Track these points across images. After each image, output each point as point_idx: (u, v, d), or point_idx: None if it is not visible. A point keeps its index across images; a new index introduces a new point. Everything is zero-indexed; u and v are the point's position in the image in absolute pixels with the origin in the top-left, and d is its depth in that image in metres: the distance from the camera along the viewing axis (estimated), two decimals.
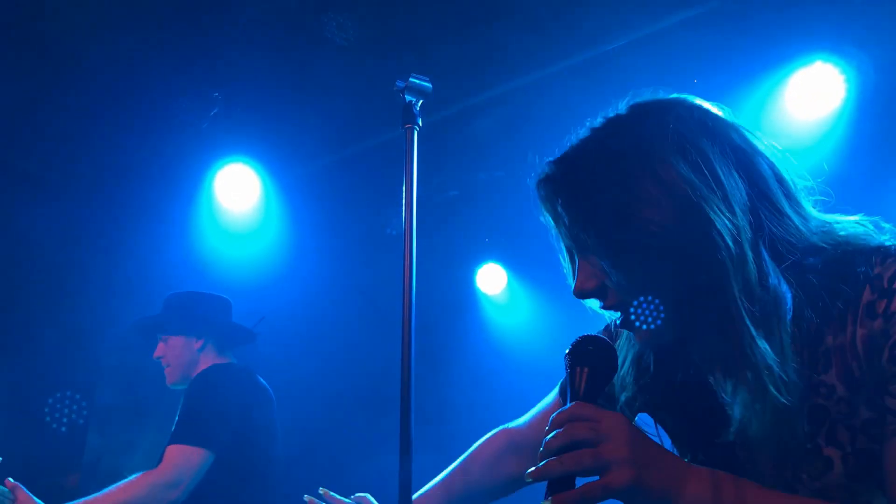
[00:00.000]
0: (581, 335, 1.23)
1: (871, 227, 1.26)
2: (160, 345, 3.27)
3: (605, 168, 1.19)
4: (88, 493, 4.46)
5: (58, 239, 4.81)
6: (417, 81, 1.60)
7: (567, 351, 1.22)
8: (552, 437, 1.09)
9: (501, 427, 1.67)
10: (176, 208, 5.06)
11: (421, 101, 1.59)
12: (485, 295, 5.92)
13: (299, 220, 5.24)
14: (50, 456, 4.70)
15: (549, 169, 1.26)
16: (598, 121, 1.28)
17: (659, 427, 1.31)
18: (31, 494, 2.74)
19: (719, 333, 1.18)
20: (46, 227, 4.71)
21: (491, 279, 5.82)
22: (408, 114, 1.56)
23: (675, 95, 1.31)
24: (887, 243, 1.22)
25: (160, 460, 2.92)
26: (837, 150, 4.23)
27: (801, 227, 1.19)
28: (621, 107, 1.30)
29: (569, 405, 1.12)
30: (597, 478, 1.07)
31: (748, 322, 1.12)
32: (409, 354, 1.43)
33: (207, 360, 3.22)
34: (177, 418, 3.01)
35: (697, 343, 1.23)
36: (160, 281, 4.73)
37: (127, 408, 4.95)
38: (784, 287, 1.15)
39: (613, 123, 1.26)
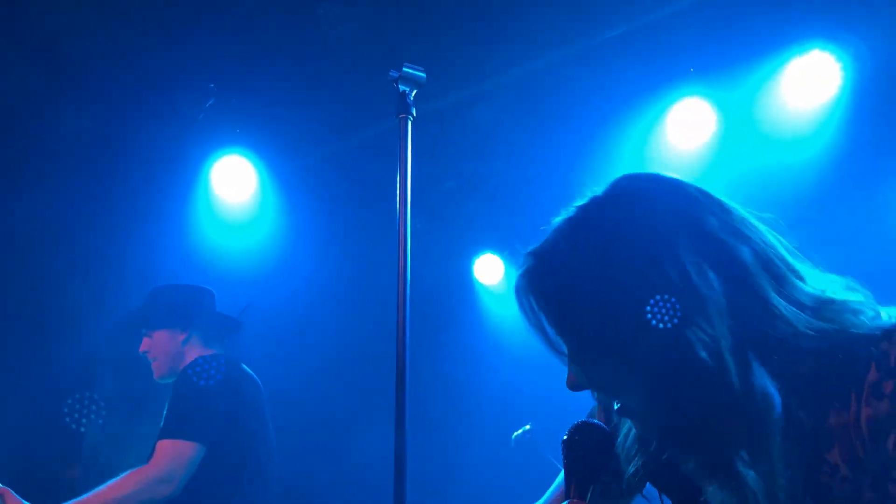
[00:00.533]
0: (576, 423, 1.25)
1: (870, 301, 1.20)
2: (145, 340, 3.23)
3: (573, 276, 1.14)
4: (88, 486, 4.47)
5: (54, 230, 4.80)
6: (411, 71, 1.59)
7: (563, 439, 1.25)
8: None
9: None
10: (173, 199, 5.05)
11: (415, 91, 1.59)
12: (482, 285, 5.93)
13: (295, 210, 5.24)
14: (49, 449, 4.70)
15: (525, 263, 1.21)
16: (574, 209, 1.21)
17: (664, 497, 1.29)
18: (20, 498, 2.73)
19: (708, 453, 1.15)
20: (43, 218, 4.70)
21: (488, 269, 5.82)
22: (402, 103, 1.56)
23: (653, 174, 1.23)
24: (889, 322, 1.17)
25: (151, 455, 2.90)
26: (835, 139, 4.22)
27: (790, 316, 1.12)
28: (598, 190, 1.22)
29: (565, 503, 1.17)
30: None
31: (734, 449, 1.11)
32: (403, 343, 1.43)
33: (193, 352, 3.18)
34: (165, 412, 2.98)
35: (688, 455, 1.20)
36: (157, 272, 4.72)
37: (126, 399, 4.95)
38: (772, 389, 1.11)
39: (585, 219, 1.19)
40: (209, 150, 4.94)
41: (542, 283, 1.17)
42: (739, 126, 4.39)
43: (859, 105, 4.13)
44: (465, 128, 4.78)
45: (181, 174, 5.00)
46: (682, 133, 4.49)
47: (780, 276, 1.15)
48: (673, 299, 1.07)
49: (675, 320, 1.06)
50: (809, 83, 4.15)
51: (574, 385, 1.20)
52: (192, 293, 3.33)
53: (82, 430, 2.95)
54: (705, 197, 1.20)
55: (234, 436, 2.97)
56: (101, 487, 2.81)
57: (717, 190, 1.22)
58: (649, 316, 1.07)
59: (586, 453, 1.22)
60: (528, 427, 4.22)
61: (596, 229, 1.15)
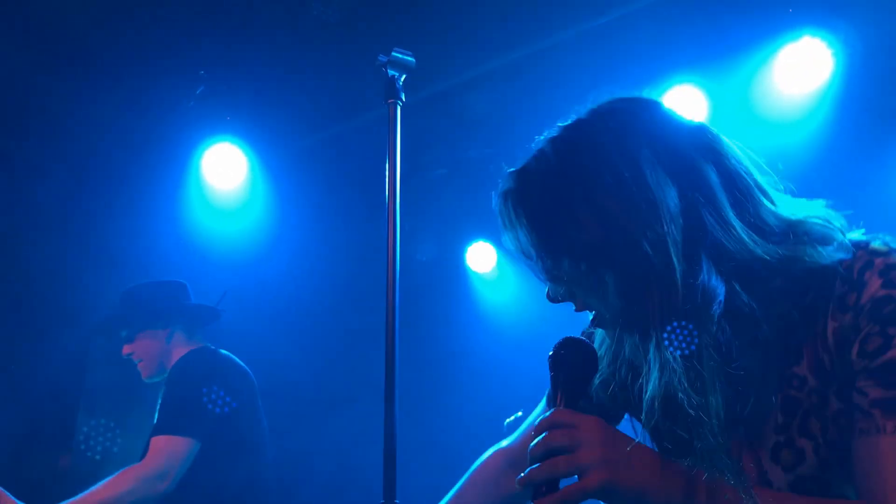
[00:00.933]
0: (562, 338, 1.27)
1: (840, 222, 1.25)
2: (125, 345, 3.21)
3: (549, 189, 1.22)
4: (80, 475, 4.47)
5: (45, 218, 4.78)
6: (400, 56, 1.58)
7: (549, 354, 1.26)
8: (534, 445, 1.15)
9: (495, 448, 1.71)
10: (164, 186, 5.03)
11: (404, 76, 1.58)
12: (475, 273, 5.93)
13: (286, 197, 5.22)
14: (41, 438, 4.70)
15: (507, 182, 1.27)
16: (555, 129, 1.29)
17: (635, 422, 1.33)
18: (10, 496, 2.72)
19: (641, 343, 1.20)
20: (32, 207, 4.68)
21: (481, 257, 5.83)
22: (390, 89, 1.55)
23: (633, 96, 1.31)
24: (857, 238, 1.23)
25: (145, 452, 2.90)
26: (826, 123, 4.23)
27: (746, 238, 1.16)
28: (583, 110, 1.31)
29: (549, 412, 1.17)
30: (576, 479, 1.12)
31: (657, 334, 1.15)
32: (392, 330, 1.43)
33: (179, 347, 3.18)
34: (158, 409, 2.98)
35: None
36: (149, 258, 4.71)
37: (117, 388, 4.94)
38: (716, 282, 1.15)
39: (562, 138, 1.26)
40: (199, 138, 4.93)
41: (524, 194, 1.24)
42: (731, 113, 4.39)
43: (850, 90, 4.14)
44: (456, 114, 4.76)
45: (172, 162, 4.98)
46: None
47: (746, 194, 1.20)
48: (629, 203, 1.15)
49: (630, 222, 1.14)
50: (801, 69, 4.16)
51: (552, 295, 1.28)
52: (166, 289, 3.30)
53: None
54: (682, 119, 1.27)
55: (226, 428, 2.97)
56: (97, 486, 2.80)
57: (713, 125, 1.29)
58: (610, 219, 1.15)
59: (573, 367, 1.24)
60: (519, 413, 4.23)
61: (572, 144, 1.24)
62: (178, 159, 5.00)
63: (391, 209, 1.48)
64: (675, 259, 1.13)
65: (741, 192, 1.20)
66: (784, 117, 4.29)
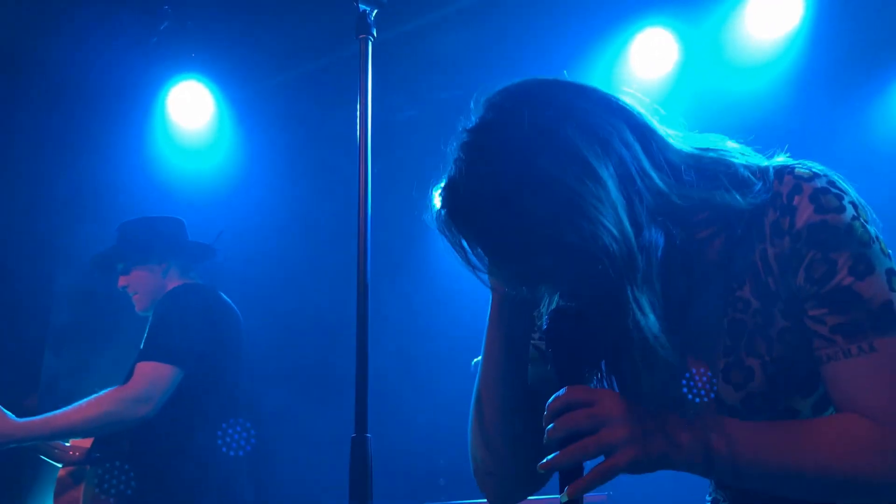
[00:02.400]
0: (555, 310, 1.25)
1: (749, 151, 1.30)
2: (121, 277, 3.23)
3: (500, 191, 1.17)
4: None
5: (7, 159, 4.69)
6: None
7: (545, 329, 1.25)
8: (552, 428, 1.14)
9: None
10: (129, 125, 4.94)
11: (376, 11, 1.54)
12: None
13: (254, 136, 5.15)
14: (7, 378, 4.67)
15: (451, 199, 1.25)
16: (476, 133, 1.24)
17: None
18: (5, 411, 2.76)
19: (609, 315, 1.21)
20: None
21: None
22: (362, 24, 1.52)
23: (527, 80, 1.29)
24: (780, 163, 1.27)
25: (129, 377, 2.91)
26: (796, 67, 4.24)
27: (664, 185, 1.20)
28: (478, 107, 1.27)
29: (562, 392, 1.16)
30: (602, 458, 1.13)
31: (634, 298, 1.16)
32: (364, 274, 1.43)
33: (174, 282, 3.20)
34: (145, 336, 2.99)
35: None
36: (114, 197, 4.65)
37: (83, 328, 4.92)
38: (656, 234, 1.18)
39: (483, 134, 1.23)
40: (164, 76, 4.82)
41: (472, 208, 1.21)
42: (702, 56, 4.39)
43: (820, 34, 4.15)
44: (426, 55, 4.70)
45: (136, 100, 4.88)
46: (645, 63, 4.48)
47: (653, 140, 1.23)
48: (578, 184, 1.13)
49: (584, 202, 1.13)
50: (772, 13, 4.16)
51: (516, 293, 1.29)
52: (164, 225, 3.33)
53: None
54: (581, 84, 1.27)
55: (210, 363, 3.00)
56: (80, 403, 2.84)
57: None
58: (564, 205, 1.14)
59: (577, 342, 1.22)
60: None
61: (496, 137, 1.20)
62: (142, 98, 4.90)
63: (362, 148, 1.47)
64: (628, 225, 1.14)
65: (649, 139, 1.22)
66: (755, 61, 4.30)
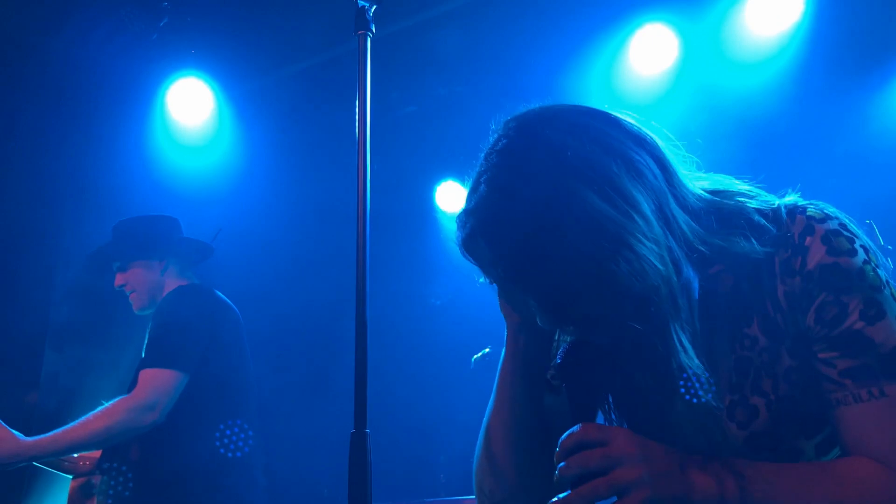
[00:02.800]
0: (569, 345, 1.22)
1: (757, 192, 1.30)
2: (118, 275, 3.21)
3: (523, 218, 1.13)
4: (47, 411, 4.46)
5: (6, 156, 4.68)
6: None
7: (560, 364, 1.23)
8: (565, 466, 1.12)
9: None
10: (128, 121, 4.93)
11: (374, 7, 1.54)
12: (444, 212, 5.92)
13: (254, 133, 5.14)
14: (8, 375, 4.67)
15: (470, 224, 1.20)
16: (495, 155, 1.20)
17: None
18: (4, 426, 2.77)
19: (651, 348, 1.18)
20: None
21: (450, 197, 5.81)
22: (360, 20, 1.51)
23: (551, 105, 1.25)
24: (791, 203, 1.27)
25: (133, 385, 2.92)
26: (796, 64, 4.24)
27: (688, 228, 1.19)
28: (509, 130, 1.22)
29: (575, 429, 1.14)
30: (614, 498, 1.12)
31: (679, 339, 1.15)
32: (363, 269, 1.43)
33: (171, 281, 3.19)
34: (146, 342, 2.98)
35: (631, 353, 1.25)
36: (115, 194, 4.65)
37: (84, 325, 4.91)
38: (692, 274, 1.19)
39: (512, 162, 1.17)
40: (164, 72, 4.81)
41: (495, 230, 1.16)
42: (702, 51, 4.39)
43: (820, 30, 4.15)
44: (426, 51, 4.69)
45: (136, 97, 4.87)
46: (646, 58, 4.48)
47: (676, 181, 1.21)
48: (619, 215, 1.11)
49: (626, 235, 1.10)
50: (772, 9, 4.15)
51: (553, 328, 1.25)
52: (161, 223, 3.31)
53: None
54: (610, 113, 1.24)
55: (213, 365, 2.99)
56: (87, 416, 2.83)
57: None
58: (601, 234, 1.10)
59: (590, 379, 1.20)
60: (487, 350, 4.29)
61: (528, 166, 1.15)
62: (142, 94, 4.90)
63: (361, 144, 1.46)
64: (670, 263, 1.13)
65: (671, 176, 1.21)
66: (755, 57, 4.29)
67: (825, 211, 1.24)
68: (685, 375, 1.20)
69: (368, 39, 1.54)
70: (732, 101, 4.22)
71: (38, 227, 4.85)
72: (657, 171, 1.18)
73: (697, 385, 1.17)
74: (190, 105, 4.93)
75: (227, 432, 3.00)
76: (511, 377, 1.35)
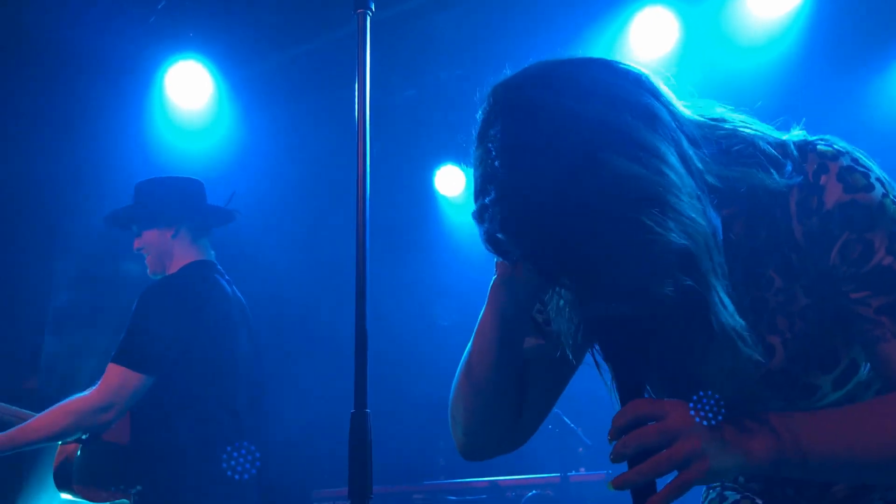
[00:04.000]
0: (603, 319, 1.16)
1: (754, 121, 1.26)
2: (135, 239, 3.16)
3: (552, 201, 1.06)
4: (46, 396, 4.46)
5: (5, 140, 4.67)
6: None
7: (596, 341, 1.21)
8: (621, 444, 1.10)
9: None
10: (127, 105, 4.91)
11: None
12: (443, 196, 5.91)
13: (253, 116, 5.13)
14: (8, 360, 4.68)
15: (497, 217, 1.11)
16: (499, 135, 1.12)
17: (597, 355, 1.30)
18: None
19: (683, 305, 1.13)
20: None
21: (450, 181, 5.81)
22: None
23: (548, 60, 1.19)
24: (799, 139, 1.24)
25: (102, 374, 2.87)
26: (798, 46, 4.22)
27: (703, 165, 1.14)
28: (501, 104, 1.15)
29: (627, 406, 1.13)
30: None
31: (720, 297, 1.12)
32: (363, 251, 1.42)
33: (183, 247, 3.12)
34: (123, 332, 2.91)
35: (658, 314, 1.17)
36: (113, 178, 4.63)
37: (83, 310, 4.92)
38: (716, 219, 1.15)
39: (523, 141, 1.09)
40: (162, 56, 4.79)
41: (548, 212, 1.07)
42: (703, 34, 4.37)
43: (821, 12, 4.13)
44: (426, 34, 4.67)
45: (134, 80, 4.85)
46: (646, 42, 4.46)
47: (682, 119, 1.15)
48: (654, 173, 1.05)
49: (664, 193, 1.05)
50: None
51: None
52: (178, 185, 3.25)
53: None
54: (617, 63, 1.17)
55: (191, 366, 2.91)
56: (44, 412, 2.83)
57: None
58: (637, 192, 1.05)
59: (636, 353, 1.17)
60: None
61: (558, 131, 1.07)
62: (140, 78, 4.87)
63: (361, 125, 1.45)
64: (703, 211, 1.10)
65: (675, 113, 1.15)
66: (756, 40, 4.27)
67: (835, 146, 1.21)
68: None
69: (368, 18, 1.53)
70: (734, 84, 4.20)
71: (37, 212, 4.85)
72: (663, 110, 1.12)
73: (743, 345, 1.13)
74: (188, 88, 4.91)
75: (210, 425, 2.95)
76: (491, 323, 1.33)
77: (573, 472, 4.07)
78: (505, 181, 1.09)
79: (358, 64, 1.46)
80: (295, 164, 5.32)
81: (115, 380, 2.80)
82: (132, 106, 4.94)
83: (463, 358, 1.40)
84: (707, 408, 1.17)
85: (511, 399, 1.36)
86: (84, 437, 2.98)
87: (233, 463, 2.83)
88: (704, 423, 1.13)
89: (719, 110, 1.26)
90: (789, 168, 1.18)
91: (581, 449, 4.15)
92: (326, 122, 4.99)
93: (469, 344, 1.39)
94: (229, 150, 5.15)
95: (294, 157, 5.30)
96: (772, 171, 1.17)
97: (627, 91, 1.11)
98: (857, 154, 1.21)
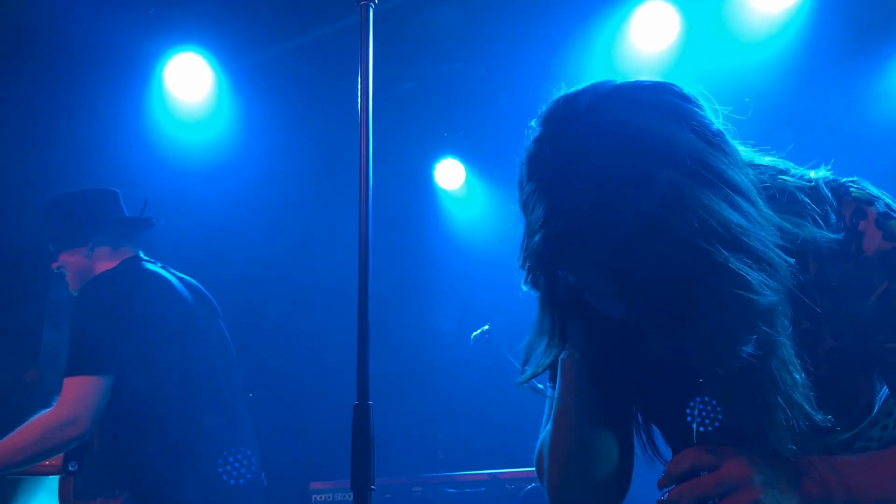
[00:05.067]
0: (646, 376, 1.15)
1: (786, 164, 1.24)
2: (53, 260, 3.08)
3: (619, 221, 1.00)
4: (45, 388, 4.46)
5: (4, 132, 4.66)
6: None
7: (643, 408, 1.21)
8: (678, 494, 1.10)
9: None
10: (127, 96, 4.90)
11: None
12: (443, 190, 5.91)
13: (253, 108, 5.12)
14: (7, 352, 4.67)
15: (557, 242, 1.04)
16: (561, 160, 1.05)
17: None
18: None
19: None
20: None
21: (449, 174, 5.80)
22: None
23: (629, 82, 1.13)
24: (826, 179, 1.22)
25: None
26: (799, 41, 4.22)
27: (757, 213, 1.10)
28: (579, 102, 1.08)
29: (683, 455, 1.12)
30: None
31: (790, 369, 1.09)
32: (365, 244, 1.42)
33: (102, 261, 3.00)
34: (67, 348, 2.83)
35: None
36: (112, 169, 4.62)
37: None
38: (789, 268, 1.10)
39: (590, 166, 1.02)
40: (162, 48, 4.78)
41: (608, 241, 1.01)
42: (704, 28, 4.36)
43: (822, 7, 4.12)
44: (426, 26, 4.66)
45: (133, 72, 4.84)
46: (647, 36, 4.46)
47: (736, 158, 1.10)
48: (726, 220, 1.01)
49: (738, 244, 1.01)
50: None
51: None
52: (88, 200, 3.10)
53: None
54: (689, 94, 1.13)
55: (146, 359, 2.80)
56: (11, 434, 2.72)
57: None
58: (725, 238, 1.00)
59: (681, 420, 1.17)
60: (486, 327, 4.31)
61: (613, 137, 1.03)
62: (139, 69, 4.86)
63: (363, 115, 1.45)
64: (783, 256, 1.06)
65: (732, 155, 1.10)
66: (758, 34, 4.27)
67: (868, 191, 1.20)
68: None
69: (371, 9, 1.52)
70: (735, 79, 4.20)
71: (35, 203, 4.83)
72: (731, 144, 1.08)
73: (804, 401, 1.10)
74: (188, 80, 4.89)
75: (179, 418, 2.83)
76: (578, 411, 1.27)
77: None
78: (565, 211, 1.03)
79: (361, 56, 1.46)
80: (295, 156, 5.32)
81: (71, 392, 2.69)
82: (132, 98, 4.93)
83: (547, 440, 1.33)
84: (703, 414, 1.18)
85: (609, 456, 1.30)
86: (73, 468, 2.92)
87: (224, 465, 2.78)
88: (757, 468, 1.10)
89: (762, 158, 1.23)
90: (833, 220, 1.16)
91: None
92: (327, 113, 4.98)
93: (549, 433, 1.32)
94: (229, 143, 5.14)
95: (294, 149, 5.29)
96: (821, 224, 1.14)
97: (696, 115, 1.07)
98: (888, 199, 1.20)
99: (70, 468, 2.91)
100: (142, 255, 3.09)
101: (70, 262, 3.04)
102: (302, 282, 5.38)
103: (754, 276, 1.00)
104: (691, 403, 1.17)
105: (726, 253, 0.99)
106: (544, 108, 1.12)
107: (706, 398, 1.16)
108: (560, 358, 1.26)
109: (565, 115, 1.09)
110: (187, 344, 2.91)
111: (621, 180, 0.99)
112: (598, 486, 1.31)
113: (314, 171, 5.35)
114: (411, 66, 4.99)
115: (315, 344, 5.18)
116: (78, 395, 2.69)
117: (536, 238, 1.06)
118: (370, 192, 1.54)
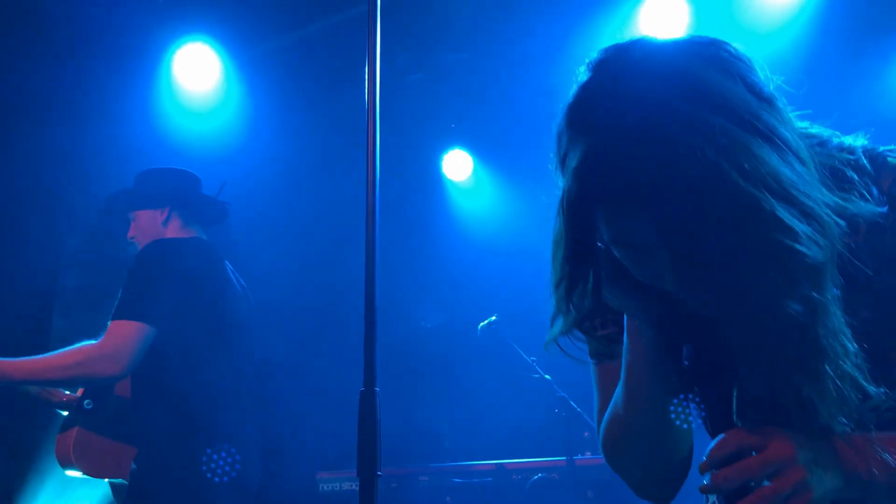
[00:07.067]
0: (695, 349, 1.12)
1: (828, 132, 1.23)
2: (132, 224, 3.19)
3: (672, 176, 0.97)
4: None
5: (14, 122, 4.67)
6: None
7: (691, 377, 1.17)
8: (723, 478, 1.07)
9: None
10: (135, 87, 4.91)
11: None
12: (451, 181, 5.91)
13: (262, 98, 5.12)
14: (16, 341, 4.70)
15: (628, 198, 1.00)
16: (612, 106, 1.02)
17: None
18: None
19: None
20: (3, 108, 4.57)
21: (457, 165, 5.79)
22: None
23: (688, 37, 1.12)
24: (866, 147, 1.21)
25: None
26: (810, 30, 4.19)
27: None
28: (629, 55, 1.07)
29: (724, 435, 1.10)
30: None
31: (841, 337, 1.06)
32: (372, 232, 1.43)
33: (174, 231, 3.13)
34: (120, 291, 2.92)
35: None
36: (122, 160, 4.64)
37: (92, 291, 4.93)
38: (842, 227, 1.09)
39: (638, 116, 0.99)
40: (171, 37, 4.78)
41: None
42: (713, 19, 4.34)
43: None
44: (434, 17, 4.65)
45: (142, 62, 4.84)
46: (656, 27, 4.44)
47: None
48: (778, 173, 0.98)
49: (789, 197, 0.98)
50: None
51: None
52: (175, 174, 3.27)
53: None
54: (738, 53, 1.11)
55: (189, 323, 2.89)
56: (49, 354, 2.81)
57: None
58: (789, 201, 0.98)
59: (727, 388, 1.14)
60: (493, 318, 4.31)
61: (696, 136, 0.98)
62: (148, 59, 4.87)
63: (371, 104, 1.45)
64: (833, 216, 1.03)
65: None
66: (768, 24, 4.25)
67: None
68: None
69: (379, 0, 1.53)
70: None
71: (45, 192, 4.86)
72: (783, 107, 1.06)
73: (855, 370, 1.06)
74: (197, 70, 4.90)
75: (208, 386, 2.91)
76: (645, 378, 1.22)
77: (579, 456, 4.08)
78: (612, 139, 1.00)
79: (368, 46, 1.46)
80: (302, 146, 5.32)
81: (116, 332, 2.78)
82: (140, 87, 4.93)
83: (621, 414, 1.29)
84: (743, 387, 1.14)
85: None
86: (88, 405, 2.99)
87: (213, 463, 2.81)
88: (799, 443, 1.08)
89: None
90: (875, 192, 1.14)
91: (587, 433, 4.16)
92: (334, 104, 4.99)
93: (619, 402, 1.28)
94: (237, 132, 5.15)
95: (301, 139, 5.30)
96: (871, 201, 1.12)
97: (750, 72, 1.07)
98: None
99: (86, 405, 2.98)
100: (200, 237, 3.21)
101: (144, 220, 3.16)
102: (309, 271, 5.39)
103: (802, 228, 0.97)
104: (733, 374, 1.14)
105: (774, 201, 0.95)
106: (594, 56, 1.10)
107: (749, 367, 1.09)
108: (624, 326, 1.22)
109: (619, 61, 1.07)
110: (224, 333, 3.00)
111: (675, 123, 0.97)
112: (678, 462, 1.29)
113: (321, 161, 5.36)
114: (419, 56, 4.99)
115: (322, 332, 5.19)
116: (121, 336, 2.77)
117: (578, 175, 1.02)
118: (377, 183, 1.54)
